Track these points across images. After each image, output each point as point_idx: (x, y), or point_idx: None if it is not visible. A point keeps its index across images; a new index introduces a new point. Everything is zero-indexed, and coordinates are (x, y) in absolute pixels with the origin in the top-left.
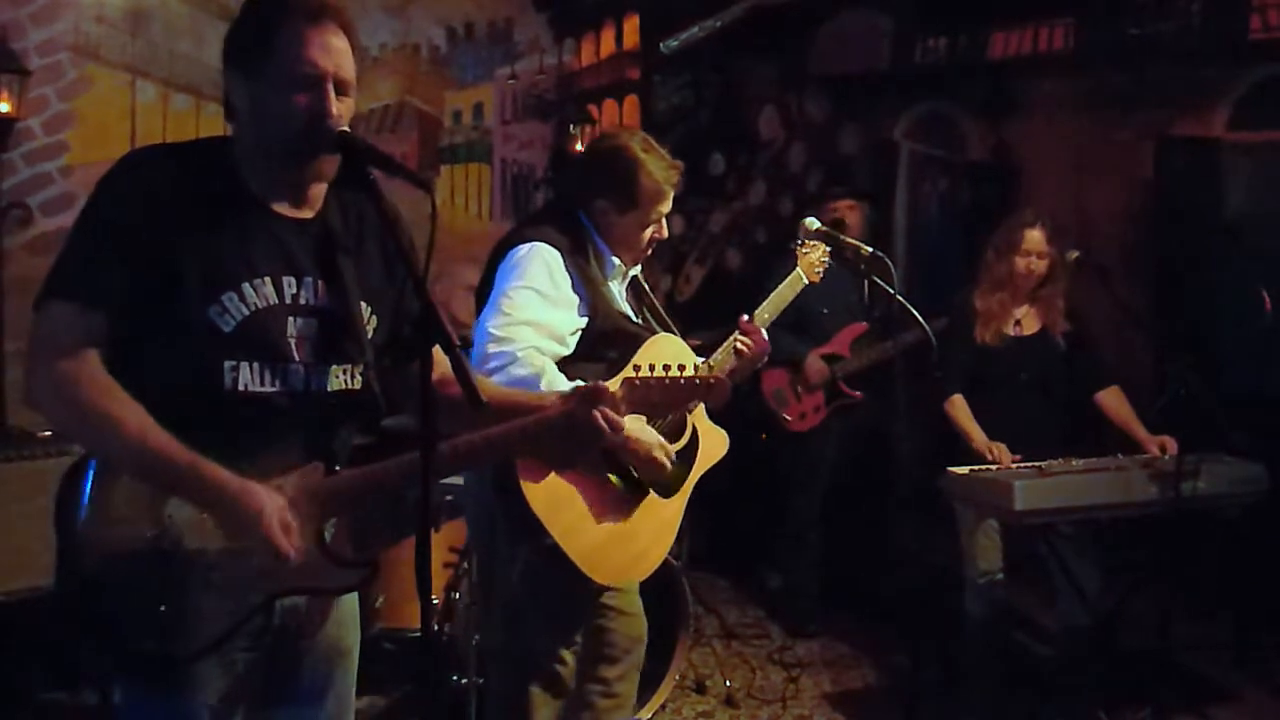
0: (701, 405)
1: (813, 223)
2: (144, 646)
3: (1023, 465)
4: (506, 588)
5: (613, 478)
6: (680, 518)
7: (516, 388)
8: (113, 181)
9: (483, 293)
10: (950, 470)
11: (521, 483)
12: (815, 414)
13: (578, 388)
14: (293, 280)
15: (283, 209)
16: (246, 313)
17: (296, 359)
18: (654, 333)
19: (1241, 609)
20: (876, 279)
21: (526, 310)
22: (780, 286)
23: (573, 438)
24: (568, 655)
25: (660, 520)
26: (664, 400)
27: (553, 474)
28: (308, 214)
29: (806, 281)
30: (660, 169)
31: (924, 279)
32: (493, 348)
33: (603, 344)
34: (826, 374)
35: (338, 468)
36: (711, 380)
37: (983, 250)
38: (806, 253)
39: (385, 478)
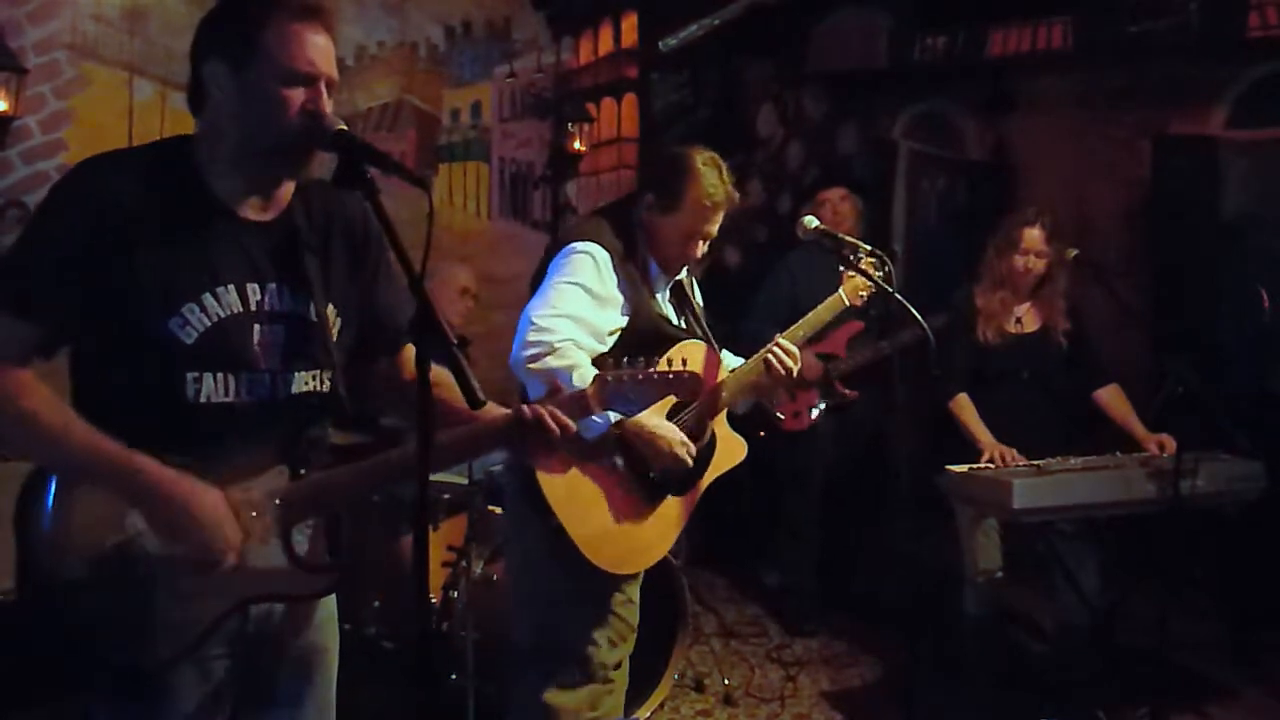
0: (724, 412)
1: (811, 221)
2: (112, 657)
3: (1021, 463)
4: (527, 572)
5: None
6: (687, 516)
7: (549, 378)
8: (63, 190)
9: (536, 285)
10: (949, 469)
11: (539, 474)
12: (809, 412)
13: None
14: (257, 287)
15: (246, 212)
16: (209, 323)
17: (262, 366)
18: (691, 337)
19: (1239, 607)
20: (875, 277)
21: (571, 305)
22: (819, 308)
23: (527, 438)
24: (599, 636)
25: (669, 517)
26: (636, 395)
27: (575, 469)
28: (272, 214)
29: (848, 304)
30: (713, 185)
31: (922, 277)
32: (533, 336)
33: (638, 344)
34: (820, 370)
35: (303, 471)
36: (684, 375)
37: (982, 248)
38: (853, 276)
39: (350, 481)
